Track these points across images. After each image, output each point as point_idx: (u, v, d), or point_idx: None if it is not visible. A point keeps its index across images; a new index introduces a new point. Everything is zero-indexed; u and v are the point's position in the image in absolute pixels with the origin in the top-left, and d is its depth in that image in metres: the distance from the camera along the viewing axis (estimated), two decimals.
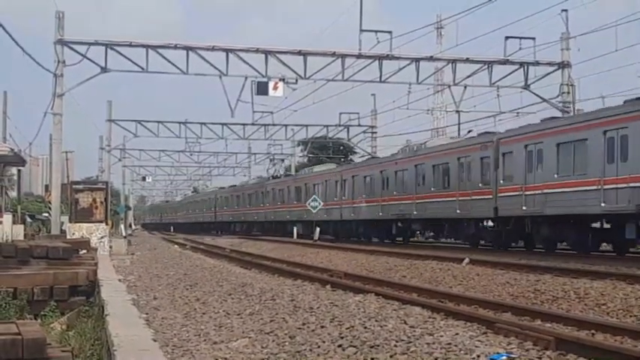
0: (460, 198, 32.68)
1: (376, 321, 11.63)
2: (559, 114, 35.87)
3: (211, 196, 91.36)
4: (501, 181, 29.87)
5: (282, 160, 77.31)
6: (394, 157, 41.60)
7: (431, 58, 38.88)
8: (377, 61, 36.95)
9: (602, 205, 24.19)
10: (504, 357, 9.20)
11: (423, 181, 36.67)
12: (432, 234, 43.06)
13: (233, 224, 79.71)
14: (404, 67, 37.43)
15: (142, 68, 35.70)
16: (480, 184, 31.50)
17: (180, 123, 60.03)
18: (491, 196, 30.41)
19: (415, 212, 36.83)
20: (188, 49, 35.93)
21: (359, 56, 36.76)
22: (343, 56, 36.94)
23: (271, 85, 37.19)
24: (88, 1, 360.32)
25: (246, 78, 37.67)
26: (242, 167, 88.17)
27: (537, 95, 38.53)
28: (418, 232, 42.66)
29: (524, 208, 28.13)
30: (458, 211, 32.92)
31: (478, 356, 9.20)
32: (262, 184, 69.30)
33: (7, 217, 34.32)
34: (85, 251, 23.20)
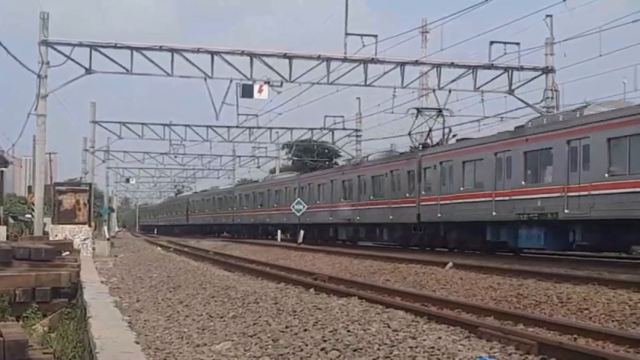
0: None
1: (359, 324, 11.62)
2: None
3: (292, 184, 57.93)
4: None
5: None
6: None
7: (416, 63, 39.03)
8: (362, 65, 37.01)
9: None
10: None
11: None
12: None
13: (349, 227, 47.03)
14: (389, 71, 37.52)
15: (127, 70, 35.61)
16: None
17: (164, 125, 60.07)
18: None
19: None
20: (173, 51, 35.85)
21: (344, 60, 36.81)
22: (328, 60, 36.98)
23: (256, 87, 37.19)
24: (87, 2, 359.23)
25: (231, 80, 37.71)
26: (226, 170, 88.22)
27: (521, 100, 38.70)
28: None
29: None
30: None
31: None
32: (415, 155, 38.53)
33: None
34: (67, 253, 23.07)
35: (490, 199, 30.32)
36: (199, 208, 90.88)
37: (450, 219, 33.70)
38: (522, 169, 28.87)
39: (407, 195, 37.19)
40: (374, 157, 45.54)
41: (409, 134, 41.39)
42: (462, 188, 32.58)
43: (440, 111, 39.89)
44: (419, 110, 41.07)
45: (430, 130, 40.48)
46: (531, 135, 28.44)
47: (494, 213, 30.08)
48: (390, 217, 39.07)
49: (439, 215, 34.09)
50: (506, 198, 29.34)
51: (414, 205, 36.10)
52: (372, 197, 41.96)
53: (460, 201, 32.61)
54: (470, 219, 32.21)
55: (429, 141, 40.01)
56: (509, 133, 30.86)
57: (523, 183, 28.62)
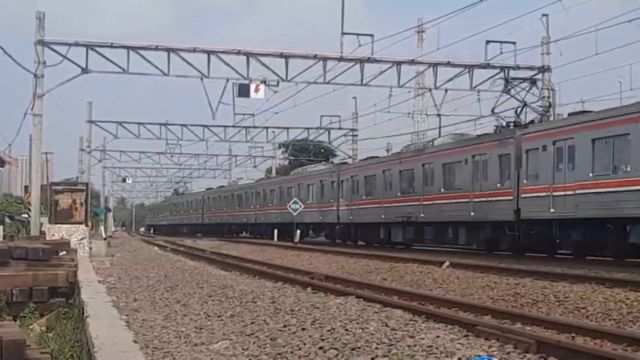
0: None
1: (357, 323, 11.62)
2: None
3: (329, 177, 50.65)
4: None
5: None
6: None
7: (412, 62, 39.04)
8: (358, 64, 37.00)
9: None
10: None
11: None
12: None
13: (408, 228, 38.71)
14: (385, 71, 37.54)
15: (123, 69, 35.59)
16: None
17: (161, 125, 60.04)
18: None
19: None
20: (169, 50, 35.82)
21: (340, 59, 36.82)
22: (325, 59, 36.97)
23: (253, 87, 37.19)
24: (87, 2, 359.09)
25: (227, 80, 37.71)
26: (223, 169, 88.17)
27: (517, 99, 38.65)
28: None
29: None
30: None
31: (459, 359, 9.21)
32: (511, 134, 31.06)
33: None
34: (64, 252, 23.04)
35: None
36: (216, 206, 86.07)
37: (572, 215, 25.55)
38: None
39: (498, 185, 30.11)
40: (443, 141, 37.44)
41: (492, 111, 34.58)
42: (590, 174, 24.68)
43: (534, 82, 34.22)
44: (508, 81, 34.34)
45: (525, 105, 33.15)
46: None
47: None
48: (472, 213, 31.70)
49: (552, 210, 26.34)
50: None
51: (511, 198, 28.83)
52: (443, 190, 34.50)
53: (588, 191, 24.69)
54: (605, 215, 24.27)
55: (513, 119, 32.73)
56: None
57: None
